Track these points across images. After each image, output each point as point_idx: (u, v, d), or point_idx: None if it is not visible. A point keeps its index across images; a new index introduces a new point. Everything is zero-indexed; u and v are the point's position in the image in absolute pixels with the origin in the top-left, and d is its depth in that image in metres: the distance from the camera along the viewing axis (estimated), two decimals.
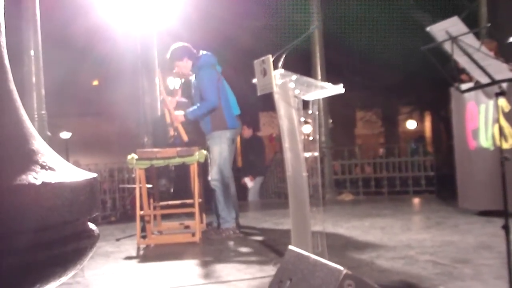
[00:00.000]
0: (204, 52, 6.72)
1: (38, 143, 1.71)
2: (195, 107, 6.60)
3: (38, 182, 1.49)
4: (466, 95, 6.64)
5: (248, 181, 12.16)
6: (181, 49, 6.71)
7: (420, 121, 30.43)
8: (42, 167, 1.59)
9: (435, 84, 11.84)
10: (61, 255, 1.61)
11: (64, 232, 1.62)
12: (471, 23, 5.54)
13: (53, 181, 1.54)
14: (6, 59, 1.76)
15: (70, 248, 1.64)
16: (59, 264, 1.61)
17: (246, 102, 7.10)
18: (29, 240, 1.50)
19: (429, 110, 26.85)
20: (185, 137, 6.69)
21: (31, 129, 1.74)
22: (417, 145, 13.13)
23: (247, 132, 12.26)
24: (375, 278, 3.84)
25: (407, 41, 13.78)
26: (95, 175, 1.77)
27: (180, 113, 6.60)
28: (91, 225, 1.81)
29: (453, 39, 5.43)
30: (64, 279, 1.65)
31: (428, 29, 5.54)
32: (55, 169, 1.63)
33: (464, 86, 6.45)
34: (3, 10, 1.75)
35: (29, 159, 1.61)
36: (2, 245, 1.43)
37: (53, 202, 1.52)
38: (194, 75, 6.68)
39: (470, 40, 5.49)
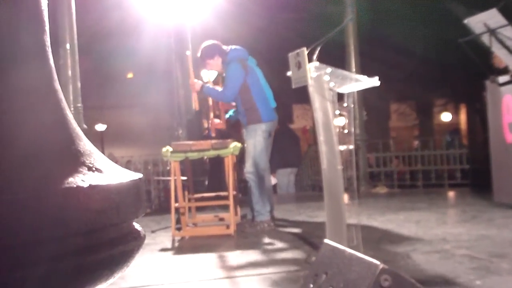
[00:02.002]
0: (233, 46, 6.74)
1: (85, 144, 1.71)
2: (215, 87, 6.71)
3: (86, 185, 1.49)
4: (502, 88, 6.56)
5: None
6: (211, 47, 6.73)
7: (455, 113, 30.06)
8: (90, 169, 1.59)
9: (470, 76, 11.70)
10: (108, 258, 1.61)
11: (111, 235, 1.63)
12: (507, 15, 5.47)
13: (101, 184, 1.54)
14: (51, 59, 1.77)
15: (118, 251, 1.65)
16: (106, 267, 1.62)
17: (279, 94, 7.10)
18: (77, 244, 1.50)
19: (464, 102, 26.48)
20: (196, 106, 6.92)
21: (77, 129, 1.74)
22: (452, 137, 12.99)
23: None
24: (410, 272, 3.82)
25: (441, 32, 13.65)
26: (140, 175, 1.77)
27: (198, 83, 6.66)
28: (137, 226, 1.81)
29: (492, 32, 5.39)
30: (111, 281, 1.66)
31: (465, 21, 5.50)
32: (102, 170, 1.63)
33: (501, 79, 6.38)
34: (47, 9, 1.76)
35: (76, 161, 1.61)
36: (52, 249, 1.44)
37: (101, 205, 1.52)
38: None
39: (508, 32, 5.44)
